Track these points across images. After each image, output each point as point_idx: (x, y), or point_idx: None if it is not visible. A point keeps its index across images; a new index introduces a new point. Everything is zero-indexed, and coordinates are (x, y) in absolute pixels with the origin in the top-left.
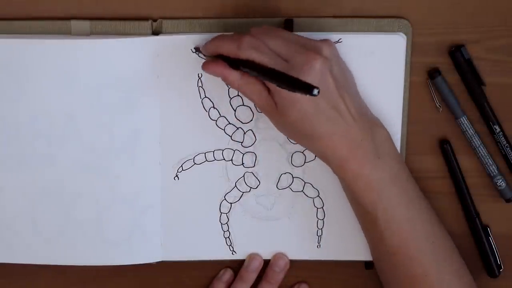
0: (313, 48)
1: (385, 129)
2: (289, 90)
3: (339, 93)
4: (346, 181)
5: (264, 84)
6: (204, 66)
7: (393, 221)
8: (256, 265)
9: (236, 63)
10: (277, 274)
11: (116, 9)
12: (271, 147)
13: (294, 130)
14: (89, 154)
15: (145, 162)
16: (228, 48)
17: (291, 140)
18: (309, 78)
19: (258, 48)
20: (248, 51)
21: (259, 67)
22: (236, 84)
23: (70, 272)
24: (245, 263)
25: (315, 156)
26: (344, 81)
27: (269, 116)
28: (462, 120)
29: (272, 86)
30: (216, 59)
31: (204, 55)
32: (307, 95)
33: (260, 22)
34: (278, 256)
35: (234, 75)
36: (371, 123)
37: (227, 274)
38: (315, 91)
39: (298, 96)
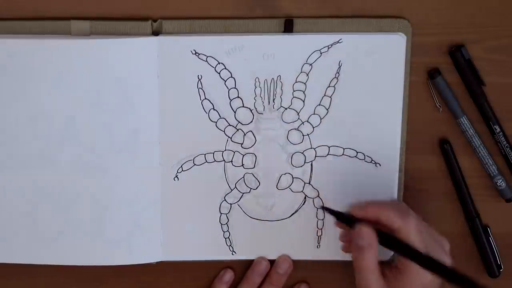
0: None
1: None
2: (448, 282)
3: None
4: None
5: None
6: (358, 225)
7: None
8: (263, 269)
9: (384, 238)
10: (281, 276)
11: (116, 9)
12: (271, 148)
13: None
14: (89, 154)
15: (145, 162)
16: (391, 218)
17: (291, 141)
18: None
19: (421, 234)
20: (413, 235)
21: (418, 253)
22: (370, 261)
23: (70, 272)
24: (252, 266)
25: (315, 157)
26: None
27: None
28: (462, 120)
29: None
30: (369, 226)
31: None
32: None
33: (260, 22)
34: (282, 258)
35: (375, 248)
36: None
37: (228, 274)
38: None
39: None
